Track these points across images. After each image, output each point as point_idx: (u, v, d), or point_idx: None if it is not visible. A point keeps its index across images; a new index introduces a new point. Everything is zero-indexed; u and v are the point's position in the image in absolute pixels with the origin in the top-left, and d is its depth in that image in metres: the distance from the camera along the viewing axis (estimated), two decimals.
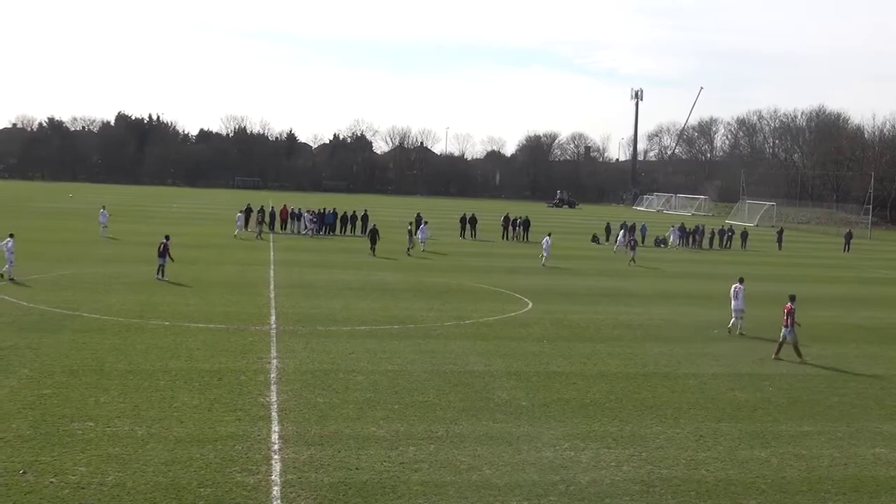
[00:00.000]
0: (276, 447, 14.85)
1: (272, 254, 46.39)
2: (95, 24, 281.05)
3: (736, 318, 27.46)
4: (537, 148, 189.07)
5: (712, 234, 66.37)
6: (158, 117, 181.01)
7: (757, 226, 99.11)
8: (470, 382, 19.87)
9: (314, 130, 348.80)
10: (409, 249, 49.25)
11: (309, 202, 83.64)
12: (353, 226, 61.75)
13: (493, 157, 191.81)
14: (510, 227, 63.99)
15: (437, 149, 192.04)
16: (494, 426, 16.68)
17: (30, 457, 13.87)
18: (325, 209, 63.30)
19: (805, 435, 17.11)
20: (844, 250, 68.48)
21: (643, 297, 35.39)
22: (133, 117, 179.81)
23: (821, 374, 22.58)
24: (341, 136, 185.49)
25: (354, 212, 63.33)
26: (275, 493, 12.95)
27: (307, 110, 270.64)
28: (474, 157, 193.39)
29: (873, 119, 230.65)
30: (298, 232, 60.68)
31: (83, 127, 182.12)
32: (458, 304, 31.12)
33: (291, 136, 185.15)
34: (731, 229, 68.95)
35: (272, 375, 19.66)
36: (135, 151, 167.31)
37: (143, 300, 28.86)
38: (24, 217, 63.79)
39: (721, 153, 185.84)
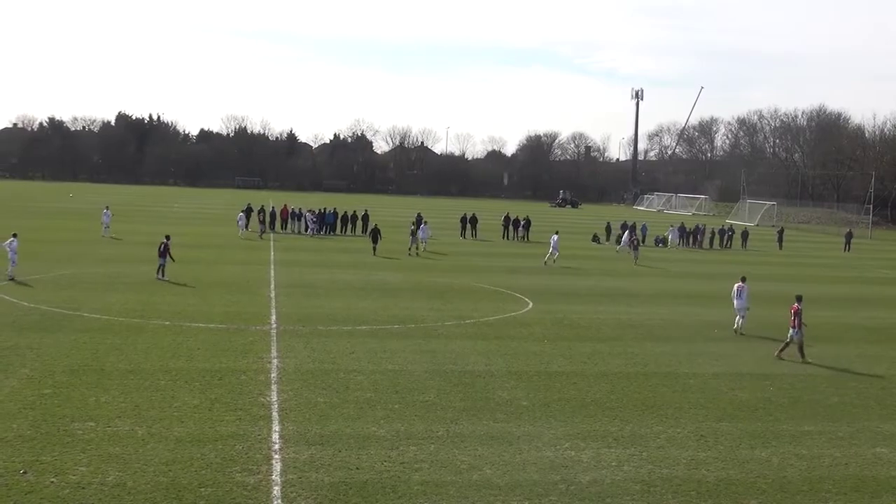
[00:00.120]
0: (276, 447, 14.85)
1: (272, 254, 46.39)
2: (96, 25, 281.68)
3: (739, 315, 27.54)
4: (538, 148, 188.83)
5: (713, 233, 66.24)
6: (159, 117, 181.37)
7: (757, 225, 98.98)
8: (470, 382, 19.86)
9: (314, 130, 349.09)
10: (410, 249, 49.26)
11: (309, 202, 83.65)
12: (354, 226, 61.81)
13: (494, 156, 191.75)
14: (510, 227, 64.05)
15: (438, 149, 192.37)
16: (495, 426, 16.67)
17: (30, 456, 13.87)
18: (325, 209, 63.31)
19: (806, 434, 17.11)
20: (845, 250, 68.45)
21: (644, 297, 35.39)
22: (133, 117, 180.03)
23: (822, 373, 22.57)
24: (341, 136, 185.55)
25: (355, 212, 63.35)
26: (275, 492, 12.95)
27: (307, 110, 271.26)
28: (475, 156, 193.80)
29: (874, 119, 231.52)
30: (300, 232, 60.68)
31: (84, 127, 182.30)
32: (458, 304, 31.12)
33: (292, 136, 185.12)
34: (731, 229, 68.83)
35: (273, 375, 19.66)
36: (135, 151, 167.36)
37: (144, 300, 28.88)
38: (24, 217, 63.85)
39: (721, 153, 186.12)
